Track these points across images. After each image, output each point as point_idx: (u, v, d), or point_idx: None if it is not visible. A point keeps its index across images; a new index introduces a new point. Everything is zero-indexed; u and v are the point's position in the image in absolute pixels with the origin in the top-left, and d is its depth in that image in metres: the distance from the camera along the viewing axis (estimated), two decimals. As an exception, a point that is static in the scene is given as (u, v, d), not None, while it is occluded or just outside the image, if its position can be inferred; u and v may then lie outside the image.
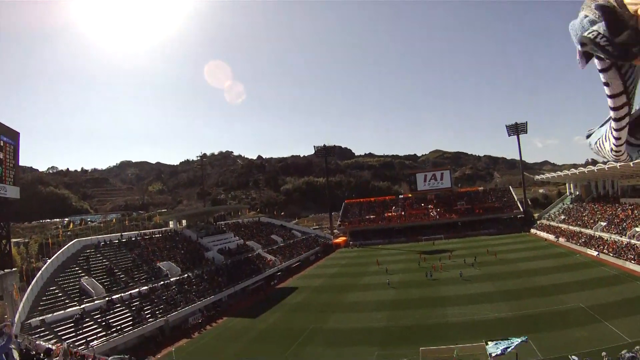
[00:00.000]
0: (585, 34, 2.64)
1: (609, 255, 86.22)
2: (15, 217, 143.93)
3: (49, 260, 69.88)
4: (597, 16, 2.57)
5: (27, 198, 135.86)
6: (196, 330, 67.92)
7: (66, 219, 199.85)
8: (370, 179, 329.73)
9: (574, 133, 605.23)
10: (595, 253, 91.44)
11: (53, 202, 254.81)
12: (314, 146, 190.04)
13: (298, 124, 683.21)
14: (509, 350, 37.25)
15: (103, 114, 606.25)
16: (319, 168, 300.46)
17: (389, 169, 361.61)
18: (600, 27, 2.54)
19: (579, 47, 2.81)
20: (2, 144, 57.64)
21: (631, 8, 2.41)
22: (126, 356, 29.30)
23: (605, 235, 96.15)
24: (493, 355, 37.32)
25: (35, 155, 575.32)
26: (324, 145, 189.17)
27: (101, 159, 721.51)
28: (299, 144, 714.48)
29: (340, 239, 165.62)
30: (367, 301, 75.04)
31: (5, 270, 56.86)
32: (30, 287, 59.83)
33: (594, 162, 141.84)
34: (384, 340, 54.03)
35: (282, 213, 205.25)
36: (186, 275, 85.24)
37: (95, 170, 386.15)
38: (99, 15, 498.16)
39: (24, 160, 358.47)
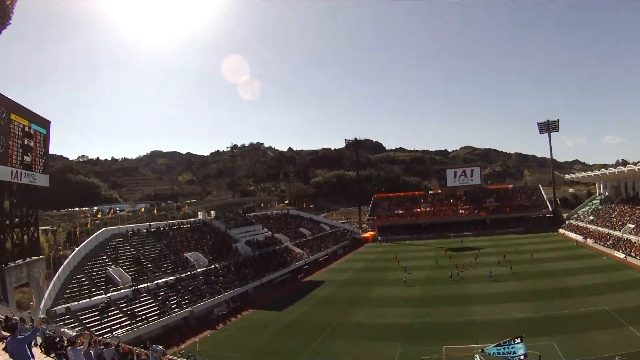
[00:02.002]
0: None
1: (636, 258, 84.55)
2: (44, 204, 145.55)
3: (76, 249, 70.50)
4: None
5: (56, 186, 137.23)
6: (221, 322, 67.85)
7: (95, 208, 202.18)
8: (401, 174, 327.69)
9: (605, 132, 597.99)
10: (622, 256, 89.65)
11: (82, 190, 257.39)
12: (345, 139, 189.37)
13: (329, 117, 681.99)
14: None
15: (134, 103, 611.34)
16: (350, 161, 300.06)
17: (419, 164, 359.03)
18: None
19: None
20: (32, 132, 57.91)
21: None
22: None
23: (633, 238, 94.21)
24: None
25: (66, 144, 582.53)
26: (355, 139, 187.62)
27: (132, 149, 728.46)
28: (330, 137, 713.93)
29: (369, 234, 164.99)
30: (393, 297, 74.63)
31: (33, 258, 57.15)
32: (57, 274, 60.23)
33: (625, 163, 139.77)
34: (408, 336, 53.54)
35: (312, 206, 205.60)
36: (213, 266, 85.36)
37: (125, 159, 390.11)
38: (131, 5, 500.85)
39: (54, 149, 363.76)
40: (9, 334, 16.30)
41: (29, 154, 56.97)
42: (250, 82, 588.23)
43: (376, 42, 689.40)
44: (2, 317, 25.93)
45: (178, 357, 38.15)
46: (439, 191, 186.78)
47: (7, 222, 53.65)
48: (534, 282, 74.73)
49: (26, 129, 56.31)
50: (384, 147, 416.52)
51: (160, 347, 27.10)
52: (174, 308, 65.46)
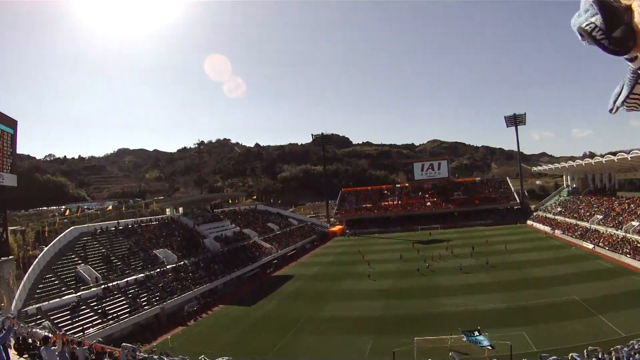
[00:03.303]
0: (583, 25, 2.75)
1: (605, 248, 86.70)
2: (13, 204, 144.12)
3: (45, 248, 70.16)
4: (594, 9, 2.70)
5: (24, 186, 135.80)
6: (192, 318, 68.31)
7: (63, 207, 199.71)
8: (368, 168, 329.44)
9: (572, 126, 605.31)
10: (591, 246, 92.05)
11: (50, 189, 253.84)
12: (312, 134, 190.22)
13: (296, 112, 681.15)
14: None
15: (100, 101, 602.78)
16: (317, 156, 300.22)
17: (386, 158, 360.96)
18: (597, 19, 2.63)
19: (579, 37, 2.96)
20: (-1, 132, 57.77)
21: (624, 1, 2.57)
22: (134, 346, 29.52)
23: (601, 229, 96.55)
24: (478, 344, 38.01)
25: (33, 143, 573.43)
26: (322, 134, 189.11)
27: (98, 147, 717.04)
28: (297, 132, 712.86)
29: (337, 228, 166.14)
30: (363, 290, 75.65)
31: (2, 258, 56.96)
32: (27, 275, 60.09)
33: (592, 155, 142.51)
34: (378, 329, 54.52)
35: (279, 201, 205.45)
36: (182, 262, 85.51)
37: (92, 157, 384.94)
38: (96, 1, 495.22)
39: (21, 149, 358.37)
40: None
41: (-4, 154, 56.89)
42: (218, 81, 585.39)
43: (342, 36, 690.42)
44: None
45: (150, 355, 38.68)
46: (407, 184, 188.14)
47: (-24, 223, 53.60)
48: (504, 273, 76.43)
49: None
50: (351, 142, 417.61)
51: (131, 345, 27.63)
52: (145, 305, 65.76)
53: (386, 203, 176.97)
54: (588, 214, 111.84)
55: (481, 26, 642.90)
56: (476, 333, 39.66)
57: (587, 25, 2.72)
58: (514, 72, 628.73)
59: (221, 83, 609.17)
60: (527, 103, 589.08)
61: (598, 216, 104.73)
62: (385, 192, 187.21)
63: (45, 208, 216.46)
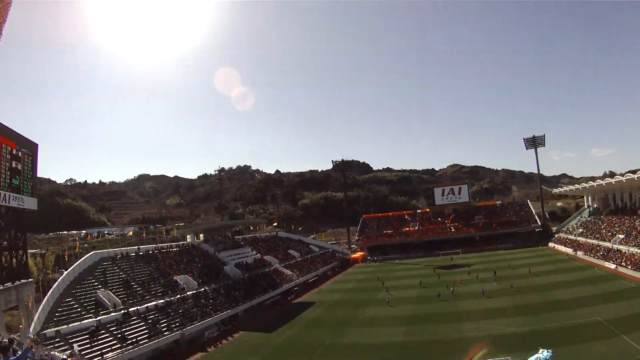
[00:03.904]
0: None
1: (627, 268, 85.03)
2: (32, 228, 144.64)
3: (65, 272, 70.04)
4: None
5: (44, 209, 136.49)
6: (212, 344, 67.49)
7: (83, 231, 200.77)
8: (388, 194, 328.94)
9: (591, 146, 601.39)
10: (613, 266, 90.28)
11: (70, 214, 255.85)
12: (332, 161, 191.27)
13: (316, 139, 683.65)
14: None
15: (122, 127, 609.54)
16: (337, 182, 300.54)
17: (406, 184, 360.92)
18: None
19: None
20: (20, 155, 57.63)
21: None
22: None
23: (623, 248, 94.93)
24: None
25: (54, 167, 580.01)
26: (342, 160, 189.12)
27: (119, 172, 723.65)
28: (317, 159, 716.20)
29: (358, 254, 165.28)
30: (384, 316, 74.31)
31: (22, 281, 56.54)
32: (46, 298, 59.94)
33: (612, 174, 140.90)
34: (401, 355, 53.30)
35: (300, 228, 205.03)
36: (203, 289, 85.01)
37: (113, 183, 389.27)
38: (117, 28, 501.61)
39: (42, 172, 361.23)
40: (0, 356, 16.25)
41: (17, 177, 56.67)
42: (240, 99, 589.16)
43: (362, 62, 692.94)
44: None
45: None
46: (427, 210, 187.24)
47: (-5, 245, 53.33)
48: (526, 297, 74.73)
49: (14, 151, 56.10)
50: (371, 168, 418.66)
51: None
52: (165, 331, 65.04)
53: (407, 229, 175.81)
54: (610, 233, 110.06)
55: (501, 49, 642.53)
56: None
57: None
58: (532, 94, 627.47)
59: (239, 100, 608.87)
60: (546, 124, 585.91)
61: (620, 236, 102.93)
62: (407, 217, 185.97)
63: (65, 232, 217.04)
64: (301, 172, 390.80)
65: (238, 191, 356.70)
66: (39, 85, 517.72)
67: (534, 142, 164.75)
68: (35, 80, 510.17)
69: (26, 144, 59.59)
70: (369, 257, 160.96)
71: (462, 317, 67.18)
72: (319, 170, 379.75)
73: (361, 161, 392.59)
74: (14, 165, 55.75)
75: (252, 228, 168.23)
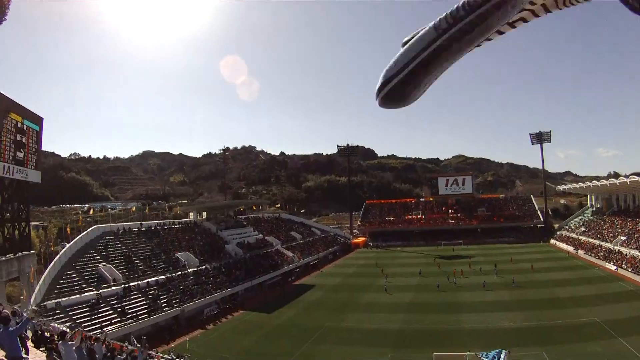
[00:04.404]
0: None
1: (628, 270, 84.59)
2: (36, 200, 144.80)
3: (67, 245, 70.15)
4: None
5: (48, 182, 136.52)
6: (211, 322, 67.74)
7: (86, 205, 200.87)
8: (392, 181, 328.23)
9: (597, 145, 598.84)
10: (613, 267, 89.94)
11: (74, 187, 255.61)
12: (337, 145, 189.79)
13: (322, 122, 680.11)
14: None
15: (127, 103, 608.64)
16: (341, 167, 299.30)
17: (411, 172, 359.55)
18: None
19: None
20: (25, 129, 57.75)
21: None
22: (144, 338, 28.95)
23: (624, 250, 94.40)
24: None
25: (59, 141, 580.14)
26: (347, 145, 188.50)
27: (124, 148, 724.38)
28: (322, 142, 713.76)
29: (360, 239, 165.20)
30: (383, 302, 74.62)
31: (24, 253, 56.87)
32: (47, 269, 60.06)
33: (616, 175, 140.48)
34: (398, 342, 53.66)
35: (303, 210, 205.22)
36: (204, 267, 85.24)
37: (117, 158, 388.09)
38: (125, 6, 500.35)
39: (46, 146, 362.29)
40: (1, 326, 16.21)
41: (22, 150, 56.82)
42: (246, 84, 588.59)
43: (370, 48, 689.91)
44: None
45: (169, 356, 37.91)
46: (431, 199, 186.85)
47: (-1, 216, 53.52)
48: (526, 292, 74.76)
49: (19, 125, 56.19)
50: (376, 154, 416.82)
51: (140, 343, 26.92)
52: (165, 307, 65.38)
53: (410, 217, 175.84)
54: (611, 234, 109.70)
55: (509, 41, 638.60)
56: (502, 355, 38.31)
57: None
58: (540, 90, 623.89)
59: (244, 86, 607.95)
60: (553, 121, 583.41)
61: (621, 237, 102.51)
62: (410, 206, 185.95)
63: (68, 206, 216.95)
64: (306, 155, 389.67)
65: (242, 171, 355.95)
66: (47, 60, 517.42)
67: (540, 138, 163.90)
68: (43, 56, 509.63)
69: (32, 117, 59.80)
70: (370, 243, 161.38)
71: (461, 308, 67.50)
72: (324, 154, 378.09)
73: (366, 147, 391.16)
74: (19, 138, 55.93)
75: (255, 208, 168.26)
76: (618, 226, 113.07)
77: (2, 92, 52.55)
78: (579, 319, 56.98)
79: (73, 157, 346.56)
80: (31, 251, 61.01)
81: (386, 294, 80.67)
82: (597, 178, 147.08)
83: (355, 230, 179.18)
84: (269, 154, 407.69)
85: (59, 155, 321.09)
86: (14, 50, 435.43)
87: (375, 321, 63.62)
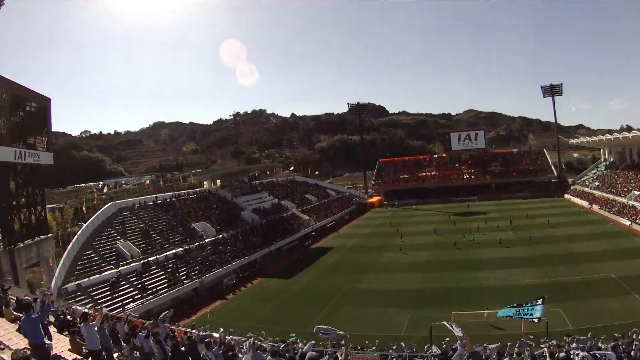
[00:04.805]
0: None
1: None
2: (50, 182, 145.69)
3: (84, 225, 70.70)
4: None
5: (61, 163, 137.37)
6: (231, 292, 68.46)
7: (101, 183, 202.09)
8: (404, 138, 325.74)
9: (610, 97, 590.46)
10: (628, 222, 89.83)
11: (87, 166, 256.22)
12: (348, 103, 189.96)
13: (331, 81, 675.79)
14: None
15: (134, 74, 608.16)
16: (353, 126, 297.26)
17: (423, 128, 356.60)
18: None
19: None
20: (34, 111, 57.73)
21: None
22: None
23: (638, 205, 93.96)
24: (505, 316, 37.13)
25: (68, 120, 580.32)
26: (358, 103, 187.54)
27: (134, 122, 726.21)
28: (333, 101, 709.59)
29: (375, 199, 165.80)
30: (401, 262, 75.25)
31: (41, 237, 57.21)
32: (66, 252, 60.48)
33: (629, 129, 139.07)
34: (416, 302, 54.35)
35: (317, 172, 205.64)
36: (221, 235, 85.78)
37: (128, 132, 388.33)
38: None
39: (56, 126, 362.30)
40: (22, 314, 16.47)
41: (32, 133, 56.94)
42: (250, 56, 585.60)
43: (377, 3, 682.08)
44: (14, 297, 26.10)
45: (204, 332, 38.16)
46: (444, 155, 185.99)
47: (14, 202, 53.69)
48: (542, 248, 75.19)
49: (27, 107, 56.17)
50: (387, 111, 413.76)
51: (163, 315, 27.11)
52: (184, 279, 65.97)
53: (424, 174, 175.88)
54: (625, 189, 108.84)
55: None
56: (539, 302, 37.75)
57: None
58: (551, 40, 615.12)
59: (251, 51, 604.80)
60: (564, 73, 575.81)
61: (635, 192, 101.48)
62: (423, 162, 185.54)
63: (83, 185, 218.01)
64: (317, 115, 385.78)
65: (254, 135, 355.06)
66: (49, 38, 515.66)
67: (552, 91, 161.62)
68: (46, 33, 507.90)
69: (39, 99, 59.57)
70: (385, 202, 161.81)
71: (478, 265, 68.05)
72: (335, 114, 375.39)
73: (377, 104, 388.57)
74: (27, 121, 55.90)
75: (268, 172, 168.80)
76: (632, 180, 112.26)
77: (6, 76, 52.43)
78: (594, 275, 57.35)
79: (84, 135, 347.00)
80: (49, 235, 61.41)
81: (403, 254, 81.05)
82: (610, 131, 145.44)
83: (369, 190, 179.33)
84: (280, 116, 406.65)
85: (70, 135, 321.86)
86: (16, 29, 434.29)
87: (393, 281, 64.36)
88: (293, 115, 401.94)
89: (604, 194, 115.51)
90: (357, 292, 61.15)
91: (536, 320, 35.48)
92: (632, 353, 18.70)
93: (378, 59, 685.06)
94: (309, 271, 76.33)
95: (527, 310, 35.68)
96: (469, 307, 46.76)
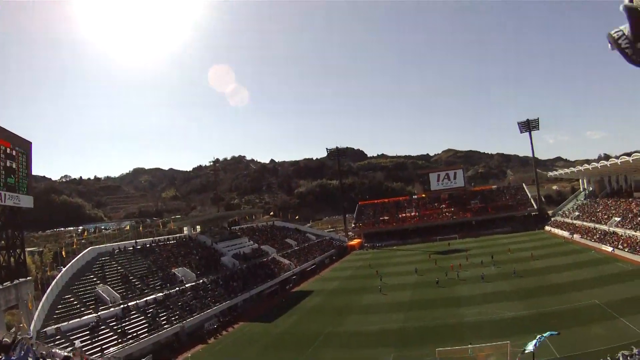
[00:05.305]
0: (612, 32, 2.92)
1: (624, 250, 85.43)
2: (29, 226, 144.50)
3: (63, 269, 70.06)
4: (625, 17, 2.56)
5: (40, 207, 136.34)
6: (212, 336, 67.73)
7: (80, 227, 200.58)
8: (384, 180, 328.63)
9: (586, 128, 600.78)
10: (610, 249, 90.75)
11: (67, 210, 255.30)
12: (327, 148, 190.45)
13: (310, 127, 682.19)
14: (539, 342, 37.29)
15: (115, 122, 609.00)
16: (332, 170, 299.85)
17: (402, 170, 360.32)
18: (626, 28, 2.72)
19: (608, 43, 3.05)
20: (14, 154, 57.73)
21: None
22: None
23: (619, 231, 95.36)
24: (526, 351, 37.51)
25: (49, 164, 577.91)
26: (337, 147, 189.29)
27: (114, 167, 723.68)
28: (311, 147, 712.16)
29: (355, 241, 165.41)
30: (383, 303, 74.99)
31: (20, 280, 56.85)
32: (45, 295, 59.88)
33: (607, 157, 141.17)
34: (400, 341, 54.01)
35: (297, 217, 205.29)
36: (201, 280, 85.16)
37: (108, 178, 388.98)
38: (107, 22, 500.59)
39: (37, 170, 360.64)
40: (2, 356, 16.46)
41: (12, 176, 56.81)
42: (234, 93, 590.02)
43: (354, 49, 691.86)
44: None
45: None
46: (423, 195, 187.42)
47: (-7, 244, 53.49)
48: (524, 281, 75.41)
49: (8, 150, 56.18)
50: (366, 155, 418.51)
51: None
52: (164, 324, 65.31)
53: (404, 215, 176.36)
54: (606, 216, 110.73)
55: (490, 31, 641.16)
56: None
57: (615, 32, 2.94)
58: (525, 77, 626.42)
59: (230, 96, 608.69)
60: (540, 107, 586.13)
61: (616, 218, 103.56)
62: (403, 204, 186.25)
63: (62, 229, 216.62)
64: (296, 161, 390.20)
65: (233, 182, 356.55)
66: (30, 82, 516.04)
67: (528, 126, 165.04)
68: (25, 78, 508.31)
69: (20, 142, 59.77)
70: (366, 244, 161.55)
71: (461, 302, 67.99)
72: (314, 158, 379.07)
73: (355, 148, 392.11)
74: (8, 164, 55.90)
75: (248, 218, 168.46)
76: (612, 207, 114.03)
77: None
78: (579, 303, 57.60)
79: (64, 180, 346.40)
80: (28, 278, 60.99)
81: (382, 294, 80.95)
82: (588, 161, 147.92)
83: (350, 233, 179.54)
84: (259, 162, 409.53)
85: (50, 179, 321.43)
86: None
87: (375, 322, 63.99)
88: (272, 161, 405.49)
89: (585, 223, 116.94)
90: (340, 334, 60.74)
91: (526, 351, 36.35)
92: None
93: (356, 104, 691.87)
94: (290, 314, 75.78)
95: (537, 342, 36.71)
96: (453, 343, 46.64)
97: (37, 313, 54.73)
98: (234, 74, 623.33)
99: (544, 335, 37.98)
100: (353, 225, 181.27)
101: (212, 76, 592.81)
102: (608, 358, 29.03)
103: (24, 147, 60.89)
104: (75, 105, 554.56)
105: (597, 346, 40.58)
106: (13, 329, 46.95)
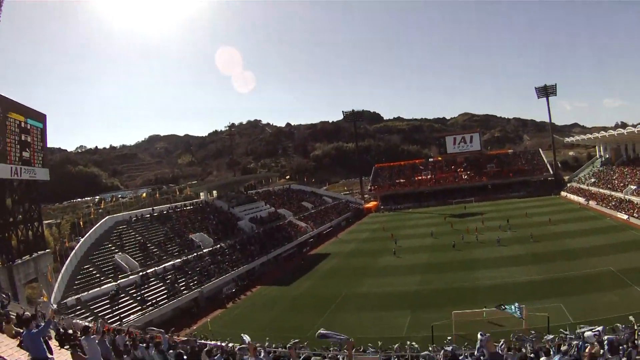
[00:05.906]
0: None
1: (639, 219, 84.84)
2: (46, 198, 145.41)
3: (82, 239, 70.56)
4: None
5: (57, 179, 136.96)
6: (230, 300, 68.15)
7: (97, 197, 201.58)
8: (400, 143, 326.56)
9: (604, 95, 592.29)
10: (625, 217, 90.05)
11: (83, 181, 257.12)
12: (343, 111, 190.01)
13: (326, 90, 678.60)
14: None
15: (129, 89, 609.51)
16: (348, 133, 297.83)
17: (418, 133, 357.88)
18: None
19: None
20: (29, 128, 57.69)
21: None
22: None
23: (635, 199, 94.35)
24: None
25: (64, 135, 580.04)
26: (353, 110, 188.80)
27: (129, 135, 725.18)
28: (328, 110, 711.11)
29: (371, 204, 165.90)
30: (399, 265, 75.14)
31: (39, 252, 57.20)
32: (64, 267, 60.40)
33: (624, 125, 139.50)
34: (416, 304, 54.15)
35: (313, 180, 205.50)
36: (219, 245, 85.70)
37: (124, 146, 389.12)
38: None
39: (52, 142, 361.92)
40: (23, 329, 16.54)
41: (27, 150, 56.81)
42: (245, 66, 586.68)
43: (369, 10, 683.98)
44: (14, 313, 26.16)
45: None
46: (439, 158, 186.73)
47: (11, 219, 53.71)
48: (540, 245, 75.08)
49: (22, 124, 56.16)
50: (382, 117, 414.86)
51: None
52: (183, 290, 65.98)
53: (420, 178, 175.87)
54: (622, 184, 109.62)
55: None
56: (510, 306, 38.75)
57: None
58: (545, 41, 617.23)
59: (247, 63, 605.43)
60: (558, 73, 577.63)
61: (632, 186, 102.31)
62: (419, 166, 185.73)
63: (79, 199, 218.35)
64: (312, 124, 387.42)
65: (249, 146, 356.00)
66: (45, 53, 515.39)
67: (546, 91, 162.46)
68: (41, 50, 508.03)
69: (34, 115, 59.67)
70: (382, 207, 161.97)
71: (477, 265, 68.07)
72: (330, 121, 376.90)
73: (372, 111, 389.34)
74: (23, 138, 55.94)
75: (264, 182, 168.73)
76: (628, 176, 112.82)
77: (1, 93, 52.53)
78: (594, 269, 57.27)
79: (80, 150, 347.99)
80: (46, 250, 61.37)
81: (402, 256, 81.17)
82: (605, 129, 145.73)
83: (366, 195, 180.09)
84: (275, 126, 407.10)
85: (66, 150, 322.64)
86: (10, 47, 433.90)
87: (392, 284, 64.31)
88: (288, 124, 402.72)
89: (601, 190, 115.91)
90: (356, 297, 61.01)
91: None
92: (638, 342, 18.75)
93: (373, 65, 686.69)
94: (307, 277, 76.21)
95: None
96: (468, 306, 46.59)
97: (57, 285, 55.15)
98: (243, 45, 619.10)
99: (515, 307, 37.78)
100: (369, 187, 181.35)
101: (228, 42, 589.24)
102: (617, 324, 28.62)
103: (39, 120, 60.89)
104: (91, 75, 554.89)
105: (610, 313, 39.97)
106: (38, 301, 47.49)
